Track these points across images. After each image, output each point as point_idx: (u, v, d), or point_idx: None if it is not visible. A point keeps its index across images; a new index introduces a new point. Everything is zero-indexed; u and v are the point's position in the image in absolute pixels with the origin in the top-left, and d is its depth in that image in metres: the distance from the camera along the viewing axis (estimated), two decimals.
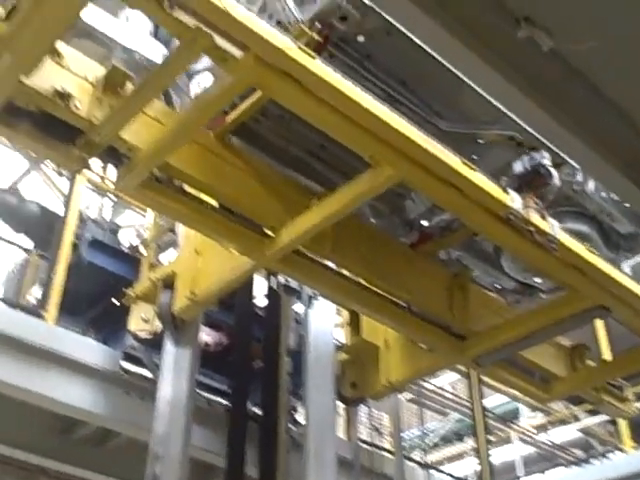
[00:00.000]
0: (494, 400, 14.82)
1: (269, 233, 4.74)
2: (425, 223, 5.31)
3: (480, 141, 4.79)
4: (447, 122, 4.68)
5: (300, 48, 3.63)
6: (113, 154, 4.27)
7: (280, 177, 4.81)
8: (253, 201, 4.62)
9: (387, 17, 3.35)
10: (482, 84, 3.17)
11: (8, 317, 6.17)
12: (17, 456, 6.45)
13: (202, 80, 4.57)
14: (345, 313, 7.33)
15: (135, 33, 4.11)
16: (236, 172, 4.55)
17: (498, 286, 5.87)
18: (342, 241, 4.90)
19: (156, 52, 4.30)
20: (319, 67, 3.69)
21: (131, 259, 7.48)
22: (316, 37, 4.04)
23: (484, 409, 9.61)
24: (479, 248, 5.59)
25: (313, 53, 3.70)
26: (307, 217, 4.53)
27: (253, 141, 4.79)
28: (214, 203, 4.75)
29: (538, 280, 5.59)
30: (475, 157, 4.71)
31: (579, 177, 4.98)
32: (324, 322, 6.70)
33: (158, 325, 6.07)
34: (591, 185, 5.04)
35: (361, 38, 4.26)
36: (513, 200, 4.32)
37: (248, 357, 6.63)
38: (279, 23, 4.22)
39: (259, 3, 4.43)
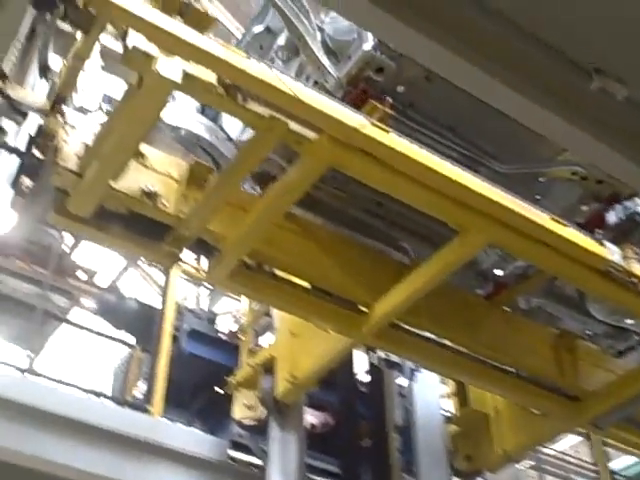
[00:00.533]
0: (622, 461, 13.99)
1: (363, 309, 4.70)
2: (500, 272, 5.11)
3: (541, 179, 4.58)
4: (503, 163, 4.50)
5: (373, 124, 3.64)
6: (202, 246, 4.35)
7: (360, 247, 4.78)
8: (342, 278, 4.60)
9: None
10: (556, 135, 3.08)
11: (116, 414, 6.27)
12: None
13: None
14: (451, 383, 7.12)
15: (182, 111, 4.21)
16: (318, 248, 4.55)
17: (589, 332, 5.53)
18: (437, 309, 4.79)
19: (204, 129, 4.39)
20: (395, 141, 3.69)
21: (230, 346, 7.54)
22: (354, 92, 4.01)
23: (612, 472, 9.07)
24: (561, 293, 5.30)
25: (387, 127, 3.72)
26: (399, 290, 4.48)
27: (313, 207, 4.74)
28: (306, 284, 4.76)
29: (630, 321, 5.24)
30: (538, 197, 4.53)
31: None
32: (429, 394, 6.53)
33: (262, 411, 6.04)
34: None
35: (401, 88, 4.16)
36: (612, 253, 4.15)
37: (356, 436, 6.50)
38: (316, 83, 4.18)
39: (295, 65, 4.45)
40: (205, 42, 3.34)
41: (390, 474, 6.18)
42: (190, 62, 3.33)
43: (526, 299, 5.35)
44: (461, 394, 6.70)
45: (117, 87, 4.01)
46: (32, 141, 3.87)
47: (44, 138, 3.92)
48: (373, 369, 6.61)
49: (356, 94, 4.04)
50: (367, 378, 6.74)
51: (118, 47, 3.31)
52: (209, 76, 3.38)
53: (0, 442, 5.54)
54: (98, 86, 4.22)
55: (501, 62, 2.63)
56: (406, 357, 5.79)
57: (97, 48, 3.95)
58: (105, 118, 3.97)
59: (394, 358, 6.40)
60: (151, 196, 4.02)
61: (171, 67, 3.25)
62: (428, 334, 4.99)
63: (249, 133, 4.28)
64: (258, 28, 4.68)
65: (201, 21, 3.42)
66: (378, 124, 3.69)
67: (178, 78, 3.24)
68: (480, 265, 5.12)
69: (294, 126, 3.68)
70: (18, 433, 5.62)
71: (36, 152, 3.89)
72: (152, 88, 3.32)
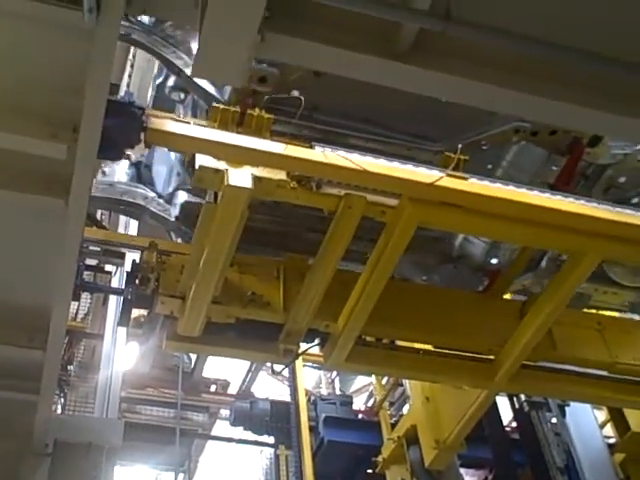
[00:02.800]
0: None
1: (490, 357, 4.58)
2: (495, 261, 4.77)
3: (484, 147, 4.24)
4: (436, 141, 4.18)
5: (449, 175, 3.62)
6: (315, 334, 4.36)
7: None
8: (459, 331, 4.51)
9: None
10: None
11: None
12: None
13: None
14: (605, 410, 6.79)
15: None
16: (423, 307, 4.50)
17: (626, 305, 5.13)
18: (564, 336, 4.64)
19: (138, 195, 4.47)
20: (475, 186, 3.65)
21: (369, 425, 7.46)
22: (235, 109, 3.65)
23: None
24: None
25: (464, 175, 3.69)
26: (523, 330, 4.35)
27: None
28: (427, 346, 4.70)
29: None
30: (490, 166, 4.29)
31: None
32: (585, 427, 6.23)
33: None
34: None
35: (295, 92, 3.89)
36: None
37: None
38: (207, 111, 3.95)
39: (190, 103, 4.28)
40: (267, 144, 3.44)
41: None
42: (259, 167, 3.43)
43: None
44: (618, 419, 6.37)
45: None
46: (131, 277, 4.02)
47: (143, 272, 4.07)
48: (520, 414, 6.38)
49: (242, 109, 3.72)
50: (515, 424, 6.50)
51: None
52: (279, 174, 3.46)
53: None
54: None
55: None
56: (547, 394, 5.59)
57: None
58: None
59: (538, 398, 6.20)
60: (254, 299, 4.09)
61: (241, 176, 3.35)
62: (562, 366, 4.81)
63: None
64: (159, 80, 4.54)
65: (259, 125, 3.52)
66: (454, 173, 3.67)
67: (249, 184, 3.33)
68: (473, 259, 4.81)
69: (372, 197, 3.71)
70: None
71: (138, 286, 4.02)
72: (228, 200, 3.42)
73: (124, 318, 4.00)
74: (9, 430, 3.92)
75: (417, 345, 4.70)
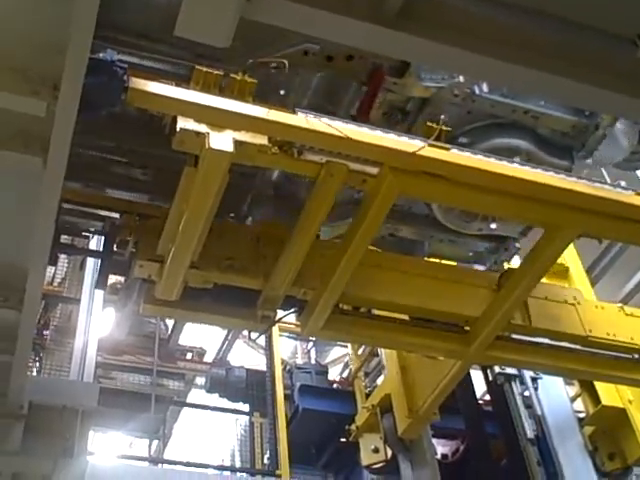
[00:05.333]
0: None
1: (465, 328, 4.62)
2: None
3: (275, 69, 3.84)
4: (224, 63, 3.74)
5: (431, 145, 3.62)
6: (294, 302, 4.37)
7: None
8: (436, 300, 4.53)
9: None
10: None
11: None
12: None
13: None
14: (576, 383, 6.87)
15: None
16: (401, 277, 4.51)
17: (471, 253, 5.02)
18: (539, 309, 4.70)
19: None
20: (457, 156, 3.66)
21: (344, 394, 7.52)
22: None
23: None
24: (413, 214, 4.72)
25: (446, 145, 3.69)
26: (498, 302, 4.39)
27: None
28: (404, 316, 4.72)
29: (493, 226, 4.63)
30: (282, 92, 4.00)
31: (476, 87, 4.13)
32: (557, 400, 6.31)
33: (389, 450, 5.97)
34: (484, 87, 4.14)
35: None
36: None
37: (490, 457, 6.33)
38: None
39: None
40: (249, 108, 3.41)
41: None
42: (241, 131, 3.40)
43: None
44: (590, 393, 6.46)
45: None
46: (109, 240, 3.99)
47: (121, 234, 4.05)
48: (493, 387, 6.45)
49: None
50: (489, 397, 6.58)
51: None
52: (261, 139, 3.44)
53: None
54: None
55: None
56: (521, 366, 5.65)
57: None
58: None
59: (511, 371, 6.26)
60: (232, 265, 4.08)
61: (222, 140, 3.32)
62: (537, 339, 4.87)
63: None
64: None
65: (241, 89, 3.49)
66: (436, 144, 3.67)
67: (231, 148, 3.31)
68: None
69: (354, 166, 3.70)
70: None
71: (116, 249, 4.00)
72: (209, 163, 3.40)
73: (101, 281, 3.99)
74: None
75: (393, 315, 4.72)
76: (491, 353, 4.68)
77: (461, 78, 4.02)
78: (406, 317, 4.71)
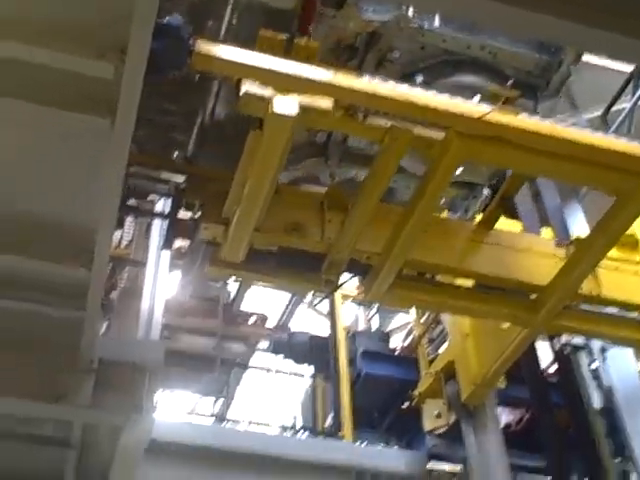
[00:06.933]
0: None
1: (533, 296, 4.55)
2: None
3: None
4: None
5: (499, 109, 3.54)
6: (358, 267, 4.37)
7: None
8: (503, 269, 4.47)
9: None
10: None
11: (311, 445, 6.40)
12: None
13: None
14: None
15: None
16: (467, 245, 4.46)
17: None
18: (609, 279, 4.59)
19: None
20: (525, 121, 3.58)
21: (406, 361, 7.51)
22: None
23: None
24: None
25: (514, 109, 3.61)
26: (566, 271, 4.30)
27: None
28: (468, 284, 4.68)
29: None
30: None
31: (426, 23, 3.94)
32: (626, 371, 6.17)
33: (452, 416, 5.97)
34: (436, 22, 3.94)
35: None
36: None
37: (556, 428, 6.25)
38: None
39: None
40: (315, 72, 3.38)
41: (600, 461, 5.89)
42: (306, 95, 3.38)
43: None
44: None
45: None
46: (175, 202, 4.05)
47: (187, 197, 4.10)
48: (560, 357, 6.35)
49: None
50: (554, 368, 6.48)
51: None
52: (326, 103, 3.41)
53: None
54: None
55: None
56: (589, 336, 5.55)
57: None
58: None
59: (579, 341, 6.15)
60: (297, 229, 4.10)
61: (287, 103, 3.31)
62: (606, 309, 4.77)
63: None
64: None
65: (306, 52, 3.46)
66: (504, 108, 3.59)
67: (295, 112, 3.29)
68: None
69: (418, 130, 3.65)
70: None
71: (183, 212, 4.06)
72: (273, 127, 3.39)
73: (168, 242, 4.06)
74: (56, 346, 4.03)
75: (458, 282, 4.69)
76: (559, 322, 4.62)
77: (410, 11, 3.82)
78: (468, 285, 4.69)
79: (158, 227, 6.01)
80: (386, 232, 4.13)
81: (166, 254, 5.38)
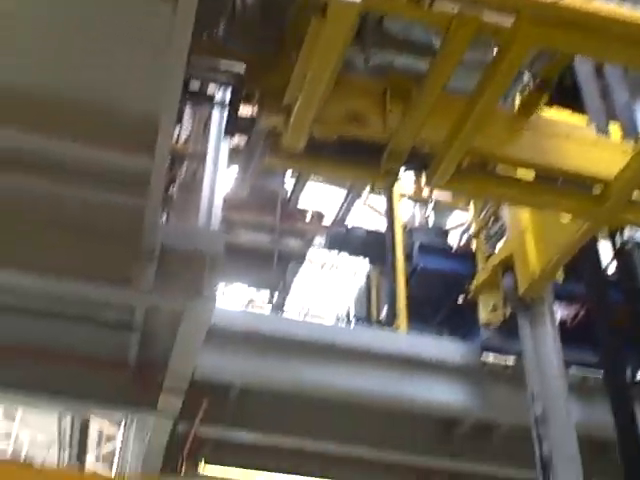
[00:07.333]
0: None
1: (595, 191, 4.47)
2: None
3: None
4: None
5: None
6: (417, 159, 4.32)
7: None
8: (569, 161, 4.37)
9: None
10: None
11: (366, 335, 6.52)
12: (405, 461, 6.71)
13: None
14: None
15: None
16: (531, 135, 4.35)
17: None
18: None
19: None
20: (601, 7, 3.42)
21: (462, 256, 7.51)
22: None
23: None
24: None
25: None
26: (633, 165, 4.20)
27: None
28: (529, 176, 4.61)
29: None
30: None
31: None
32: None
33: (508, 310, 5.99)
34: None
35: None
36: None
37: (612, 323, 6.23)
38: None
39: None
40: None
41: None
42: None
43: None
44: None
45: None
46: (237, 91, 4.02)
47: (248, 86, 4.07)
48: (620, 255, 6.26)
49: None
50: (614, 263, 6.39)
51: None
52: None
53: (263, 373, 5.95)
54: None
55: None
56: None
57: None
58: None
59: None
60: (358, 118, 4.05)
61: None
62: None
63: None
64: None
65: None
66: None
67: None
68: None
69: (487, 16, 3.53)
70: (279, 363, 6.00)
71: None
72: (336, 14, 3.31)
73: (229, 128, 4.05)
74: (119, 233, 4.10)
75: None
76: (623, 215, 4.54)
77: None
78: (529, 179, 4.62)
79: (217, 120, 6.00)
80: (447, 121, 4.04)
81: (225, 146, 5.39)
